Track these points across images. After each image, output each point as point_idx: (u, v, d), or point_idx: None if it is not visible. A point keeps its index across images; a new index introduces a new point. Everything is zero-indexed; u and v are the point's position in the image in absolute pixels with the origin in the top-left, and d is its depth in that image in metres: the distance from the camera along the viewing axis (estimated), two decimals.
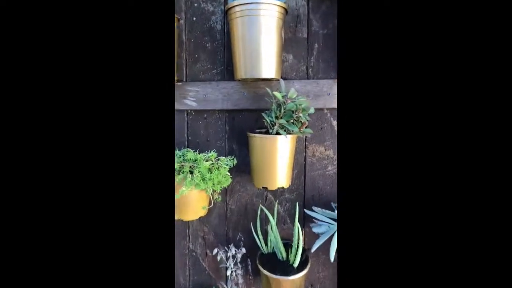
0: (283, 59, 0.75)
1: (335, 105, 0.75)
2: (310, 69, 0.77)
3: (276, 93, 0.62)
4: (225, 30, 0.77)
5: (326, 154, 0.79)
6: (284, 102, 0.62)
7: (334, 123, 0.78)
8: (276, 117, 0.63)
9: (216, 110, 0.79)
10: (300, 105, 0.61)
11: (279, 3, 0.63)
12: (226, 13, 0.69)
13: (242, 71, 0.66)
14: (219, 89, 0.77)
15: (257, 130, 0.75)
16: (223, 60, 0.78)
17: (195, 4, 0.77)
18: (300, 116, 0.61)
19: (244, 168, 0.80)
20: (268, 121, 0.64)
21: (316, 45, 0.76)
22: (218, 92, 0.77)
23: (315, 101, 0.76)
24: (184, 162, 0.64)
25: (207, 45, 0.77)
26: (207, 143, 0.81)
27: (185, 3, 0.77)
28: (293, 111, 0.62)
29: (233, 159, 0.72)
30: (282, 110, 0.62)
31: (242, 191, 0.82)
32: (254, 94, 0.76)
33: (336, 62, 0.76)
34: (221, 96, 0.77)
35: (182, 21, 0.77)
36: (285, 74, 0.76)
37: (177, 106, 0.78)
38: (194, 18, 0.77)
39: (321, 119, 0.78)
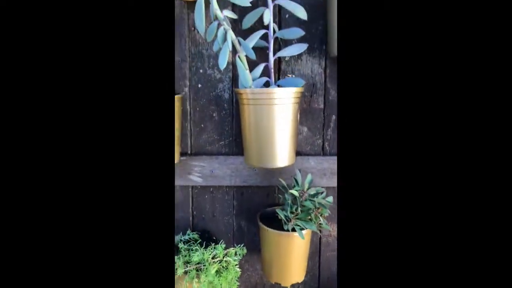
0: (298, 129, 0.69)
1: None
2: (327, 143, 0.70)
3: (293, 191, 0.55)
4: (234, 100, 0.70)
5: None
6: (301, 196, 0.56)
7: None
8: (292, 213, 0.57)
9: (224, 186, 0.72)
10: (319, 203, 0.55)
11: (295, 89, 0.56)
12: (236, 93, 0.62)
13: (254, 160, 0.60)
14: (227, 165, 0.70)
15: (268, 209, 0.69)
16: (231, 132, 0.71)
17: (201, 70, 0.70)
18: (318, 217, 0.55)
19: (254, 247, 0.74)
20: (283, 216, 0.58)
21: (334, 117, 0.69)
22: (226, 168, 0.70)
23: (332, 179, 0.69)
24: (190, 264, 0.58)
25: (214, 115, 0.71)
26: (214, 219, 0.74)
27: (190, 69, 0.70)
28: (310, 209, 0.55)
29: (242, 248, 0.65)
30: (299, 208, 0.55)
31: (251, 270, 0.76)
32: (265, 171, 0.70)
33: None
34: (229, 172, 0.70)
35: (186, 89, 0.70)
36: (299, 148, 0.70)
37: (181, 182, 0.71)
38: (200, 85, 0.70)
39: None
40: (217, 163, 0.70)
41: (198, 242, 0.68)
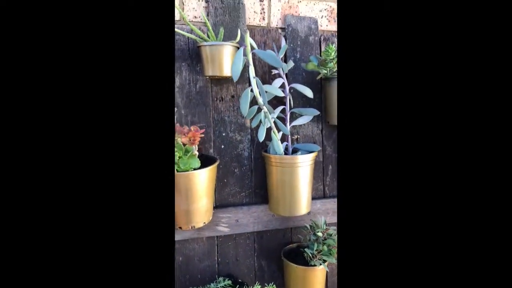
0: None
1: None
2: (327, 188, 0.88)
3: (319, 233, 0.70)
4: (252, 157, 0.83)
5: None
6: (323, 237, 0.71)
7: None
8: (317, 250, 0.71)
9: (247, 232, 0.83)
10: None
11: (313, 154, 0.73)
12: (264, 155, 0.76)
13: (281, 210, 0.74)
14: (250, 213, 0.81)
15: (287, 248, 0.82)
16: (250, 184, 0.83)
17: (223, 134, 0.81)
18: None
19: (275, 282, 0.85)
20: (310, 254, 0.71)
21: (330, 167, 0.88)
22: (250, 216, 0.81)
23: (334, 217, 0.86)
24: None
25: (236, 170, 0.82)
26: (237, 262, 0.83)
27: (214, 133, 0.80)
28: (331, 245, 0.71)
29: (273, 285, 0.76)
30: (322, 245, 0.70)
31: None
32: (282, 216, 0.83)
33: None
34: (252, 219, 0.81)
35: (211, 150, 0.80)
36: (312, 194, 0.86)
37: (209, 233, 0.79)
38: (223, 146, 0.81)
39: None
40: (241, 213, 0.81)
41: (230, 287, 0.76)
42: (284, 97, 0.77)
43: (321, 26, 0.88)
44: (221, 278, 0.78)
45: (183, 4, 0.78)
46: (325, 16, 0.88)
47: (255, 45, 0.67)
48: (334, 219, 0.86)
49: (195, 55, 0.78)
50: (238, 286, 0.75)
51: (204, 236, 0.80)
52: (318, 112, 0.76)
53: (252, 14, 0.83)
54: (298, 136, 0.86)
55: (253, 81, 0.60)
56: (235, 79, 0.61)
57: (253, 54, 0.64)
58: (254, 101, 0.69)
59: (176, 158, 0.58)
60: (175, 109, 0.70)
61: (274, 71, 0.74)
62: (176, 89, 0.78)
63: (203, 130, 0.65)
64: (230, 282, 0.76)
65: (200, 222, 0.67)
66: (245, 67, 0.82)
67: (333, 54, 0.71)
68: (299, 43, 0.85)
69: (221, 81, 0.80)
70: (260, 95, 0.62)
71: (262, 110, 0.65)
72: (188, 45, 0.78)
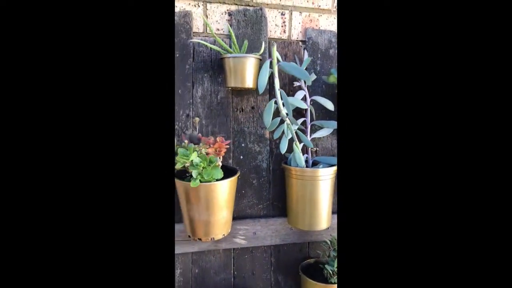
0: None
1: None
2: None
3: None
4: (271, 168, 0.82)
5: None
6: None
7: None
8: (337, 267, 0.69)
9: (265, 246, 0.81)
10: None
11: (334, 168, 0.72)
12: (283, 167, 0.75)
13: (300, 224, 0.72)
14: (268, 226, 0.80)
15: (304, 263, 0.80)
16: (268, 196, 0.82)
17: (243, 145, 0.81)
18: None
19: None
20: (330, 271, 0.69)
21: None
22: (267, 229, 0.80)
23: None
24: None
25: (254, 182, 0.81)
26: (253, 276, 0.81)
27: (233, 144, 0.80)
28: None
29: None
30: None
31: None
32: (300, 230, 0.82)
33: None
34: (270, 232, 0.80)
35: (230, 161, 0.80)
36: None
37: (226, 245, 0.78)
38: (241, 157, 0.81)
39: None
40: (259, 225, 0.80)
41: None
42: (305, 110, 0.77)
43: None
44: None
45: (207, 17, 0.80)
46: None
47: (280, 58, 0.67)
48: None
49: (216, 66, 0.79)
50: None
51: (221, 248, 0.78)
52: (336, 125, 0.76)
53: (274, 27, 0.84)
54: (318, 149, 0.85)
55: (278, 93, 0.60)
56: (261, 91, 0.62)
57: (279, 66, 0.64)
58: (275, 113, 0.69)
59: (200, 169, 0.58)
60: (198, 119, 0.70)
61: (296, 84, 0.74)
62: (198, 100, 0.78)
63: (228, 141, 0.65)
64: None
65: (219, 234, 0.66)
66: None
67: None
68: (319, 56, 0.85)
69: (241, 92, 0.81)
70: (284, 106, 0.61)
71: (285, 122, 0.65)
72: (211, 56, 0.79)
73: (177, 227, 0.75)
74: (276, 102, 0.62)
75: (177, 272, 0.77)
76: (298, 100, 0.66)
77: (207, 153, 0.58)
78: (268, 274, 0.82)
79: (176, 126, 0.77)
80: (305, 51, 0.77)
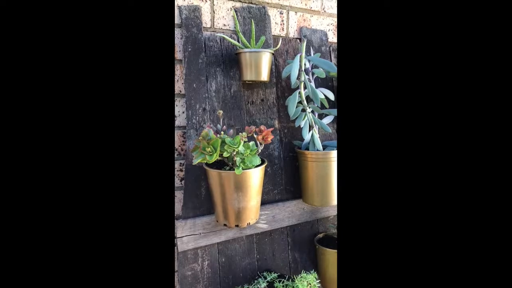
0: None
1: None
2: None
3: None
4: (282, 156, 0.88)
5: None
6: None
7: None
8: None
9: (282, 227, 0.87)
10: None
11: None
12: (298, 152, 0.82)
13: (316, 201, 0.81)
14: (285, 209, 0.86)
15: (316, 237, 0.89)
16: (281, 182, 0.88)
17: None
18: None
19: (307, 272, 0.90)
20: None
21: None
22: (284, 212, 0.86)
23: None
24: None
25: (268, 169, 0.86)
26: (273, 257, 0.87)
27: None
28: None
29: (314, 273, 0.82)
30: None
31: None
32: (311, 209, 0.90)
33: None
34: (287, 214, 0.86)
35: None
36: None
37: (250, 231, 0.81)
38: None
39: None
40: (277, 209, 0.85)
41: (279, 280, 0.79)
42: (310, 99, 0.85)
43: (329, 38, 1.00)
44: (265, 273, 0.81)
45: (214, 13, 0.82)
46: (331, 30, 1.01)
47: (304, 53, 0.74)
48: None
49: (228, 60, 0.82)
50: (284, 279, 0.79)
51: (245, 234, 0.82)
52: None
53: (274, 24, 0.90)
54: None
55: (308, 85, 0.67)
56: (294, 85, 0.67)
57: (308, 61, 0.71)
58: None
59: (242, 156, 0.61)
60: (221, 111, 0.72)
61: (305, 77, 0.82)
62: (213, 93, 0.80)
63: (272, 129, 0.68)
64: (275, 275, 0.80)
65: (254, 219, 0.70)
66: (272, 72, 0.88)
67: None
68: (313, 52, 0.95)
69: (252, 86, 0.85)
70: (310, 97, 0.69)
71: (306, 111, 0.72)
72: (222, 51, 0.81)
73: (204, 219, 0.76)
74: (299, 94, 0.69)
75: (205, 264, 0.77)
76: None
77: (256, 140, 0.62)
78: (286, 253, 0.89)
79: (194, 120, 0.77)
80: (304, 47, 0.86)
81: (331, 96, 0.86)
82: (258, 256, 0.85)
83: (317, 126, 0.82)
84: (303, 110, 0.72)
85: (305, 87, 0.76)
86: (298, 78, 0.72)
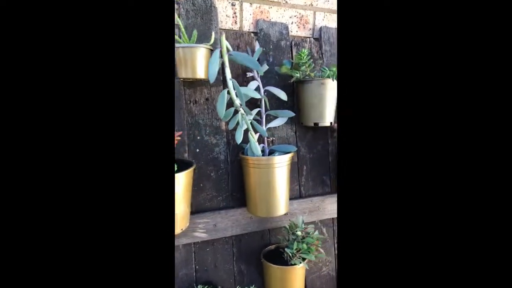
0: None
1: (325, 217, 0.90)
2: (302, 187, 0.90)
3: (298, 233, 0.71)
4: (229, 160, 0.82)
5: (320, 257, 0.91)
6: (302, 236, 0.72)
7: (324, 230, 0.92)
8: (296, 249, 0.72)
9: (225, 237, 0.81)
10: (316, 239, 0.72)
11: (289, 155, 0.75)
12: (241, 157, 0.75)
13: (259, 211, 0.74)
14: (228, 217, 0.80)
15: (266, 249, 0.82)
16: (227, 188, 0.82)
17: (198, 137, 0.80)
18: (318, 248, 0.72)
19: (256, 285, 0.84)
20: (290, 253, 0.72)
21: (305, 167, 0.90)
22: (228, 220, 0.80)
23: (310, 216, 0.88)
24: None
25: (212, 174, 0.80)
26: (215, 269, 0.81)
27: (188, 137, 0.78)
28: (310, 243, 0.72)
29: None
30: (301, 244, 0.71)
31: None
32: (260, 218, 0.83)
33: (320, 180, 0.92)
34: (230, 223, 0.80)
35: (186, 154, 0.78)
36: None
37: (186, 240, 0.76)
38: (198, 150, 0.80)
39: (314, 228, 0.91)
40: (219, 217, 0.79)
41: None
42: (259, 100, 0.78)
43: (291, 31, 0.91)
44: (200, 287, 0.76)
45: None
46: (295, 23, 0.92)
47: (230, 48, 0.67)
48: (311, 218, 0.88)
49: None
50: None
51: (181, 243, 0.77)
52: (293, 114, 0.78)
53: (224, 17, 0.83)
54: (274, 138, 0.87)
55: (230, 83, 0.60)
56: (212, 81, 0.61)
57: (229, 56, 0.64)
58: (230, 104, 0.69)
59: None
60: None
61: (249, 74, 0.75)
62: None
63: (180, 133, 0.63)
64: None
65: (177, 229, 0.65)
66: (218, 69, 0.82)
67: (305, 58, 0.74)
68: (271, 47, 0.87)
69: (194, 83, 0.79)
70: (237, 96, 0.62)
71: (239, 112, 0.65)
72: None
73: None
74: (229, 92, 0.62)
75: None
76: (251, 90, 0.67)
77: None
78: (231, 264, 0.83)
79: None
80: (257, 42, 0.78)
81: (283, 96, 0.78)
82: (197, 267, 0.80)
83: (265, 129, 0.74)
84: (237, 112, 0.65)
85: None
86: (223, 75, 0.65)
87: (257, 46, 0.75)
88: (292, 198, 0.88)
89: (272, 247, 0.85)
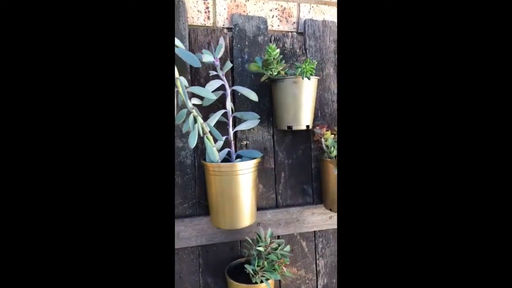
0: None
1: (304, 230, 0.82)
2: (279, 196, 0.82)
3: (259, 248, 0.64)
4: (196, 165, 0.77)
5: (299, 274, 0.83)
6: (265, 250, 0.65)
7: (304, 244, 0.84)
8: (258, 266, 0.65)
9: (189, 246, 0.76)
10: (281, 255, 0.65)
11: (254, 161, 0.68)
12: (202, 164, 0.70)
13: (222, 223, 0.67)
14: (193, 226, 0.75)
15: (233, 263, 0.76)
16: (194, 194, 0.77)
17: None
18: (281, 267, 0.65)
19: None
20: (251, 270, 0.65)
21: (283, 174, 0.83)
22: (192, 229, 0.75)
23: (286, 228, 0.81)
24: None
25: (178, 180, 0.76)
26: (180, 280, 0.77)
27: None
28: (273, 260, 0.65)
29: None
30: (265, 261, 0.64)
31: None
32: (223, 228, 0.77)
33: (300, 189, 0.84)
34: (195, 232, 0.75)
35: None
36: (257, 203, 0.80)
37: None
38: None
39: (292, 241, 0.83)
40: (183, 225, 0.75)
41: None
42: (226, 100, 0.72)
43: (272, 26, 0.84)
44: None
45: None
46: (276, 16, 0.84)
47: (181, 45, 0.62)
48: (286, 230, 0.81)
49: None
50: None
51: None
52: (258, 116, 0.71)
53: (196, 13, 0.79)
54: (248, 142, 0.81)
55: (178, 82, 0.55)
56: None
57: (176, 53, 0.58)
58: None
59: None
60: None
61: (212, 73, 0.69)
62: None
63: None
64: None
65: None
66: (186, 68, 0.77)
67: (274, 54, 0.67)
68: (247, 43, 0.80)
69: None
70: (184, 97, 0.56)
71: (192, 114, 0.59)
72: None
73: None
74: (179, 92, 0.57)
75: None
76: (205, 90, 0.61)
77: None
78: (196, 276, 0.78)
79: None
80: (222, 38, 0.72)
81: (253, 96, 0.71)
82: None
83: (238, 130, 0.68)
84: (190, 113, 0.60)
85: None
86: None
87: (221, 41, 0.69)
88: (266, 207, 0.81)
89: (243, 260, 0.78)
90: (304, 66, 0.64)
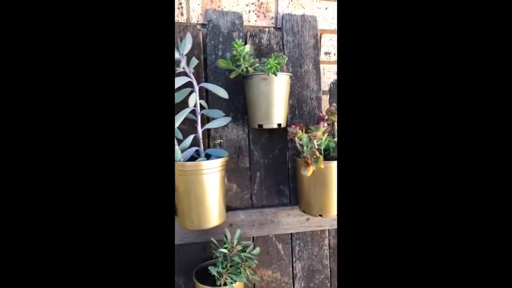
0: (227, 188, 0.77)
1: (279, 231, 0.79)
2: (254, 197, 0.80)
3: (222, 249, 0.62)
4: None
5: (274, 276, 0.81)
6: (230, 252, 0.63)
7: (280, 246, 0.81)
8: (223, 268, 0.63)
9: None
10: (246, 257, 0.63)
11: (221, 160, 0.66)
12: None
13: (188, 224, 0.66)
14: None
15: (205, 264, 0.74)
16: None
17: None
18: (246, 270, 0.63)
19: None
20: (215, 273, 0.64)
21: (258, 174, 0.80)
22: None
23: (260, 230, 0.78)
24: None
25: None
26: None
27: None
28: (238, 263, 0.63)
29: None
30: (229, 263, 0.62)
31: None
32: (190, 229, 0.76)
33: (277, 190, 0.81)
34: None
35: None
36: (230, 203, 0.78)
37: None
38: None
39: (267, 244, 0.80)
40: None
41: None
42: (190, 97, 0.70)
43: (249, 21, 0.82)
44: None
45: None
46: (253, 11, 0.82)
47: None
48: (260, 232, 0.78)
49: None
50: None
51: None
52: (224, 114, 0.69)
53: None
54: (222, 141, 0.79)
55: None
56: None
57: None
58: None
59: None
60: None
61: (178, 69, 0.67)
62: None
63: None
64: None
65: None
66: None
67: (241, 49, 0.64)
68: (221, 39, 0.78)
69: None
70: None
71: None
72: None
73: None
74: None
75: None
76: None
77: None
78: None
79: None
80: (189, 33, 0.70)
81: (222, 94, 0.69)
82: None
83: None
84: None
85: None
86: None
87: (187, 36, 0.67)
88: (240, 208, 0.79)
89: (214, 261, 0.76)
90: (269, 62, 0.62)
